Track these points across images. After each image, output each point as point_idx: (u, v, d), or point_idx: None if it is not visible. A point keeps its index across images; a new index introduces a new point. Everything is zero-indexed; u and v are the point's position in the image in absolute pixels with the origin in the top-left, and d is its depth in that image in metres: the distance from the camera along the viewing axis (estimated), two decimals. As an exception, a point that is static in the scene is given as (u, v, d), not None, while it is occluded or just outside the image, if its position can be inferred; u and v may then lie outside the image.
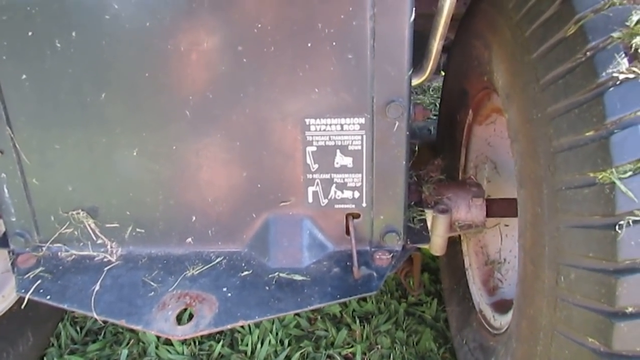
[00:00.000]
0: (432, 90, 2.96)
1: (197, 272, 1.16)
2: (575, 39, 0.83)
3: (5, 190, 1.16)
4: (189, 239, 1.19)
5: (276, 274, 1.15)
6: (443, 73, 2.00)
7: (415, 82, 1.20)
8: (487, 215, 1.44)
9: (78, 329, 1.84)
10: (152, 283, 1.14)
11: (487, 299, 1.58)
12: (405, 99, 1.07)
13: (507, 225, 1.69)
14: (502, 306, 1.51)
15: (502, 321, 1.41)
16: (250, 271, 1.16)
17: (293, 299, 1.09)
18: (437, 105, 2.69)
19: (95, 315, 1.08)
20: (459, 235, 1.76)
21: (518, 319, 1.09)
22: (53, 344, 1.79)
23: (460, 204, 1.40)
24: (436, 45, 1.15)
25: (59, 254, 1.21)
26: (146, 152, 1.12)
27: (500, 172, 1.68)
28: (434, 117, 2.67)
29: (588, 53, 0.80)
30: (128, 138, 1.11)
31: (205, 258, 1.19)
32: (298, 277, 1.14)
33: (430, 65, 1.19)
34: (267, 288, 1.12)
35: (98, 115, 1.09)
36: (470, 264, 1.72)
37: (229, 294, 1.11)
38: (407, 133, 1.10)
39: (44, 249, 1.21)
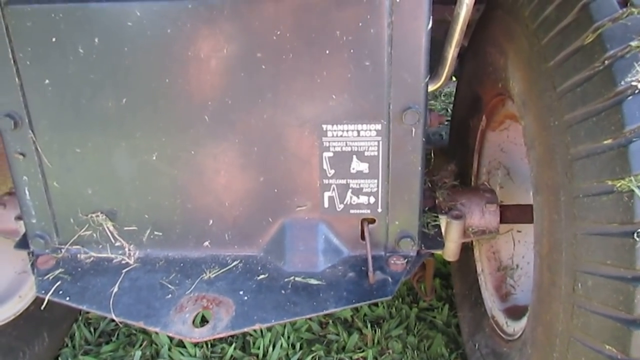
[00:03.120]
0: (444, 96, 2.97)
1: (214, 275, 1.17)
2: (593, 48, 0.84)
3: (27, 193, 1.19)
4: (206, 243, 1.20)
5: (292, 277, 1.16)
6: (455, 79, 2.01)
7: (431, 88, 1.21)
8: (501, 222, 1.44)
9: (92, 330, 1.86)
10: (169, 286, 1.16)
11: (500, 305, 1.58)
12: (422, 105, 1.08)
13: (519, 232, 1.69)
14: (515, 312, 1.51)
15: (515, 327, 1.41)
16: (266, 275, 1.17)
17: (309, 302, 1.10)
18: (449, 110, 2.70)
19: (114, 317, 1.09)
20: (472, 241, 1.76)
21: (534, 325, 1.09)
22: (67, 345, 1.81)
23: (474, 210, 1.40)
24: (451, 52, 1.16)
25: (78, 255, 1.23)
26: (165, 157, 1.14)
27: (513, 178, 1.68)
28: (448, 123, 2.68)
29: (606, 62, 0.81)
30: (148, 142, 1.12)
31: (221, 261, 1.20)
32: (313, 281, 1.15)
33: (446, 71, 1.20)
34: (283, 292, 1.13)
35: (118, 119, 1.11)
36: (482, 270, 1.72)
37: (246, 297, 1.12)
38: (423, 139, 1.11)
39: (63, 250, 1.23)
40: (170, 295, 1.13)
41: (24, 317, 1.60)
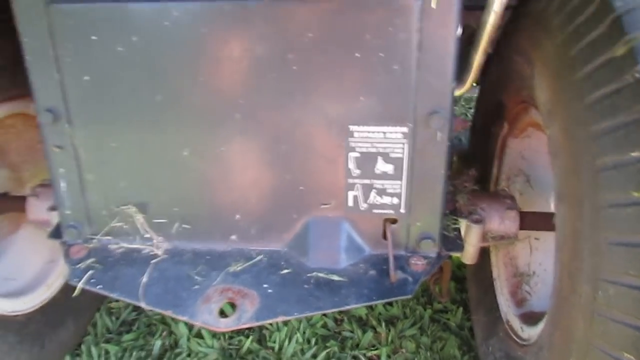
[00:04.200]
0: (464, 101, 2.98)
1: (240, 268, 1.21)
2: (624, 60, 0.85)
3: (62, 185, 1.23)
4: (233, 236, 1.24)
5: (314, 273, 1.19)
6: (476, 84, 2.02)
7: (455, 94, 1.23)
8: (520, 228, 1.46)
9: (114, 319, 1.91)
10: (196, 277, 1.19)
11: (515, 310, 1.60)
12: (448, 110, 1.10)
13: (537, 239, 1.70)
14: (530, 318, 1.52)
15: (530, 332, 1.43)
16: (290, 269, 1.20)
17: (330, 298, 1.13)
18: (468, 115, 2.71)
19: (144, 306, 1.13)
20: (489, 247, 1.77)
21: (551, 330, 1.11)
22: (90, 333, 1.86)
23: (494, 215, 1.42)
24: (477, 58, 1.18)
25: (109, 246, 1.27)
26: (196, 152, 1.17)
27: (534, 186, 1.69)
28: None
29: (637, 75, 0.82)
30: (180, 139, 1.16)
31: (247, 255, 1.24)
32: (335, 278, 1.18)
33: (471, 78, 1.22)
34: (305, 286, 1.16)
35: (153, 116, 1.15)
36: (498, 275, 1.74)
37: (270, 291, 1.15)
38: (448, 143, 1.13)
39: (94, 241, 1.27)
40: (197, 287, 1.17)
41: (50, 305, 1.65)
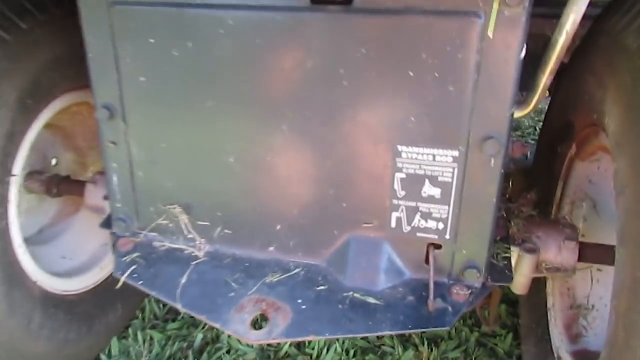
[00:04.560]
0: (534, 113, 2.82)
1: (276, 279, 1.20)
2: None
3: (115, 179, 1.27)
4: (272, 247, 1.24)
5: (350, 293, 1.16)
6: (547, 93, 1.90)
7: (517, 115, 1.15)
8: (579, 260, 1.36)
9: (161, 305, 1.98)
10: (233, 284, 1.20)
11: (568, 346, 1.50)
12: (504, 136, 1.03)
13: (599, 270, 1.58)
14: (584, 357, 1.42)
15: (582, 374, 1.33)
16: (326, 286, 1.18)
17: (364, 321, 1.10)
18: (537, 129, 2.56)
19: (180, 308, 1.16)
20: (545, 274, 1.67)
21: (601, 381, 1.02)
22: (138, 317, 1.94)
23: (551, 245, 1.33)
24: (544, 80, 1.10)
25: (154, 242, 1.31)
26: (242, 160, 1.17)
27: (599, 213, 1.57)
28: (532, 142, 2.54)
29: None
30: (228, 145, 1.17)
31: (284, 267, 1.23)
32: (372, 300, 1.15)
33: (535, 100, 1.13)
34: (340, 306, 1.14)
35: (203, 121, 1.16)
36: (553, 305, 1.63)
37: (303, 306, 1.14)
38: (502, 171, 1.06)
39: (141, 235, 1.31)
40: (233, 294, 1.18)
41: (102, 287, 1.72)
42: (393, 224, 1.16)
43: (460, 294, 1.14)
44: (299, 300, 1.15)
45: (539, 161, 1.82)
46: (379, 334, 1.08)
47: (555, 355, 1.50)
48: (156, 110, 1.18)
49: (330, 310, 1.13)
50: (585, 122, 1.38)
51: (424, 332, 1.88)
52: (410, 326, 1.09)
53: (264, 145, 1.15)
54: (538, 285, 1.67)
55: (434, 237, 1.14)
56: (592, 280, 1.59)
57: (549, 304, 1.64)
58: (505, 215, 1.36)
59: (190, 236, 1.28)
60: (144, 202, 1.28)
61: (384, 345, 1.84)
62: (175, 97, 1.16)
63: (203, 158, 1.20)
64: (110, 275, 1.75)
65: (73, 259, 1.72)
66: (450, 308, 1.12)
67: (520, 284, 1.32)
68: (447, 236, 1.14)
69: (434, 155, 1.08)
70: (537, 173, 1.77)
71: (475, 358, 1.79)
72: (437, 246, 1.15)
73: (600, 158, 1.48)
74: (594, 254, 1.37)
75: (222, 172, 1.20)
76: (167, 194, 1.26)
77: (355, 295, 1.16)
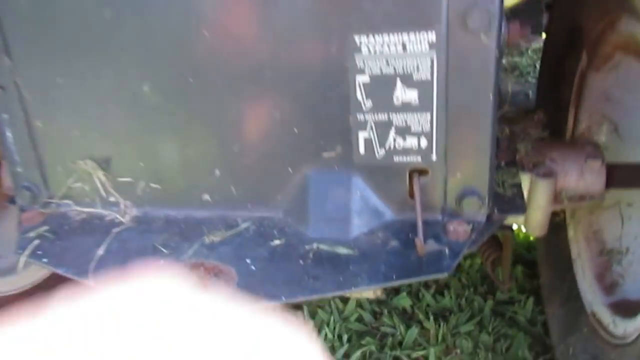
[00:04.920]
0: (532, 52, 2.54)
1: (218, 239, 0.92)
2: None
3: (9, 135, 1.00)
4: (212, 198, 0.96)
5: (314, 245, 0.88)
6: (545, 35, 1.63)
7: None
8: (607, 185, 1.08)
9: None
10: (163, 249, 0.92)
11: (603, 299, 1.22)
12: (495, 2, 0.75)
13: (630, 205, 1.30)
14: (625, 308, 1.14)
15: (626, 327, 1.05)
16: (283, 240, 0.90)
17: (333, 277, 0.82)
18: (537, 67, 2.30)
19: (92, 284, 0.88)
20: (565, 216, 1.39)
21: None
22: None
23: (570, 167, 1.05)
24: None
25: (68, 212, 1.03)
26: (160, 88, 0.90)
27: (623, 136, 1.29)
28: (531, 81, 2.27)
29: None
30: (138, 69, 0.89)
31: (230, 223, 0.95)
32: (342, 250, 0.87)
33: None
34: (301, 262, 0.86)
35: (104, 40, 0.89)
36: (579, 254, 1.36)
37: (253, 267, 0.86)
38: (497, 54, 0.78)
39: (52, 206, 1.04)
40: (162, 262, 0.90)
41: (42, 287, 1.48)
42: (362, 149, 0.88)
43: (458, 230, 0.86)
44: (248, 260, 0.87)
45: (542, 91, 1.55)
46: (354, 290, 0.80)
47: (589, 311, 1.22)
48: (44, 33, 0.91)
49: (288, 268, 0.85)
50: (597, 18, 1.11)
51: (429, 306, 1.60)
52: (394, 276, 0.81)
53: (184, 62, 0.88)
54: (558, 232, 1.40)
55: (416, 159, 0.86)
56: (622, 218, 1.32)
57: (574, 254, 1.37)
58: (509, 136, 1.08)
59: (111, 199, 1.01)
60: (50, 162, 1.01)
61: (383, 326, 1.57)
62: (65, 15, 0.89)
63: (110, 91, 0.92)
64: (52, 274, 1.49)
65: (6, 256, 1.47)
66: (447, 249, 0.84)
67: (535, 221, 1.03)
68: (434, 156, 0.86)
69: (404, 44, 0.80)
70: (543, 105, 1.50)
71: (492, 330, 1.51)
72: (423, 172, 0.87)
73: (619, 63, 1.21)
74: (626, 175, 1.09)
75: (137, 107, 0.93)
76: (76, 146, 0.98)
77: (321, 246, 0.88)
